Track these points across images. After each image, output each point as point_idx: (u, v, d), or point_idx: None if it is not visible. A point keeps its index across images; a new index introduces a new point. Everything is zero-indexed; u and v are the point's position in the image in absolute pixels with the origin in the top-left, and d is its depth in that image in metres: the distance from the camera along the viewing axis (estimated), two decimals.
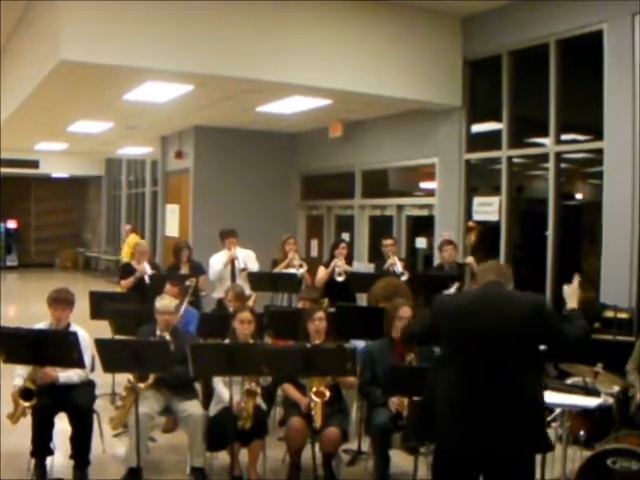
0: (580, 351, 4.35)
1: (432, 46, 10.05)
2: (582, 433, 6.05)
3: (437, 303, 4.41)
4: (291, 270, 9.34)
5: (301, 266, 9.39)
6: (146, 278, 9.29)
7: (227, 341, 6.40)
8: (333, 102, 10.76)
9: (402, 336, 5.22)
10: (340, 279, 9.18)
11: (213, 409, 6.32)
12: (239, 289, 8.10)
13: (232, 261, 9.45)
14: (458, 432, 3.99)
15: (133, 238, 18.63)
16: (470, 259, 8.56)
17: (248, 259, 9.59)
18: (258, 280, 9.11)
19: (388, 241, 9.56)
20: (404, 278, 8.71)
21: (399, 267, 9.08)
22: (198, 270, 9.54)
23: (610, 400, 5.97)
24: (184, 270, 9.46)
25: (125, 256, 18.34)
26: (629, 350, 6.38)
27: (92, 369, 6.40)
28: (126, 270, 9.69)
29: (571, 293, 4.43)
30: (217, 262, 9.51)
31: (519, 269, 9.74)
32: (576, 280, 4.53)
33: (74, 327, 6.24)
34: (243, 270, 9.35)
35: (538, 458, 5.16)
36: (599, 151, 8.61)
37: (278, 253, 9.70)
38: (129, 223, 19.53)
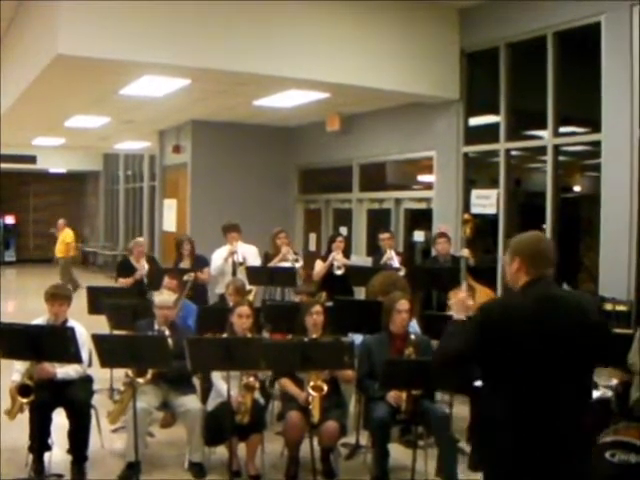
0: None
1: (430, 39, 10.02)
2: None
3: (488, 313, 3.60)
4: (286, 264, 9.31)
5: (296, 260, 9.37)
6: (144, 278, 9.30)
7: (225, 335, 6.39)
8: (330, 95, 10.74)
9: (438, 363, 3.94)
10: (339, 272, 9.17)
11: (211, 404, 6.31)
12: (239, 283, 8.09)
13: (232, 255, 9.44)
14: (529, 453, 3.46)
15: (66, 233, 18.63)
16: (465, 252, 8.55)
17: (250, 254, 9.57)
18: (255, 274, 9.08)
19: (385, 235, 9.55)
20: (402, 272, 8.70)
21: (396, 261, 9.07)
22: (201, 263, 9.54)
23: (609, 393, 5.97)
24: (186, 264, 9.46)
25: (59, 252, 18.36)
26: (628, 343, 6.36)
27: (90, 364, 6.38)
28: (124, 267, 9.68)
29: (456, 302, 3.91)
30: (218, 257, 9.51)
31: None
32: (464, 286, 4.01)
33: (71, 322, 6.23)
34: (241, 264, 9.33)
35: None
36: (597, 143, 8.60)
37: (270, 247, 9.67)
38: (61, 218, 19.55)
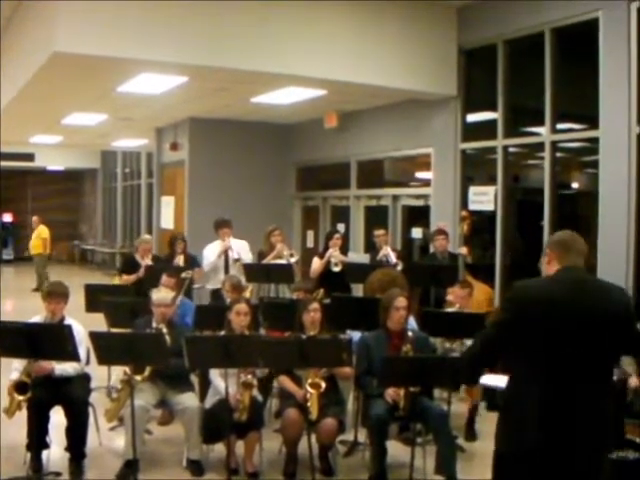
0: None
1: (427, 35, 10.01)
2: None
3: (520, 292, 3.67)
4: (281, 261, 9.30)
5: (292, 255, 9.35)
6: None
7: (223, 333, 6.38)
8: (328, 92, 10.73)
9: (468, 365, 3.89)
10: (336, 269, 9.16)
11: (209, 401, 6.31)
12: (236, 280, 8.09)
13: (226, 252, 9.43)
14: (553, 437, 3.49)
15: (41, 229, 18.60)
16: (464, 249, 8.56)
17: (242, 250, 9.57)
18: (252, 271, 9.07)
19: (379, 231, 9.54)
20: (399, 268, 8.69)
21: (393, 257, 9.06)
22: (193, 263, 9.52)
23: None
24: (179, 262, 9.44)
25: (34, 248, 18.34)
26: None
27: (87, 362, 6.38)
28: (128, 263, 9.68)
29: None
30: (211, 252, 9.50)
31: (515, 259, 9.74)
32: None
33: (68, 320, 6.22)
34: (237, 261, 9.32)
35: None
36: (595, 140, 8.59)
37: (264, 244, 9.65)
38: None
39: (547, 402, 3.47)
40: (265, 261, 9.40)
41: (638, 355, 3.68)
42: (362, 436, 6.57)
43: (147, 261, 9.46)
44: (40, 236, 18.55)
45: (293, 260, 9.30)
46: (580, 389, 3.47)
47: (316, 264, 9.32)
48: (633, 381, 6.01)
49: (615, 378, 6.04)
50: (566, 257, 3.70)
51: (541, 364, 3.50)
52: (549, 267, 3.73)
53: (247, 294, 8.46)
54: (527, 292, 3.63)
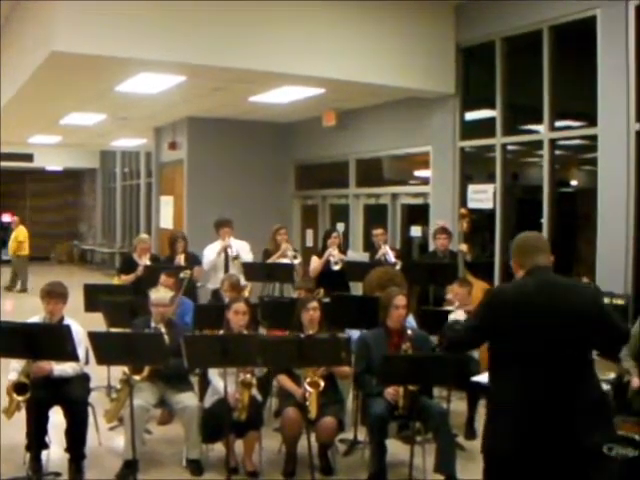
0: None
1: (425, 33, 10.00)
2: None
3: (495, 295, 4.00)
4: (285, 260, 9.31)
5: (295, 257, 9.35)
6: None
7: (221, 332, 6.38)
8: (326, 91, 10.73)
9: (448, 344, 4.48)
10: (336, 268, 9.15)
11: (208, 401, 6.31)
12: (235, 279, 8.08)
13: (225, 250, 9.43)
14: (529, 432, 3.65)
15: (20, 231, 18.56)
16: (463, 247, 8.55)
17: (242, 250, 9.55)
18: (252, 270, 9.07)
19: (378, 230, 9.52)
20: (397, 267, 8.68)
21: (391, 256, 9.05)
22: (194, 261, 9.51)
23: (606, 387, 5.96)
24: (179, 261, 9.43)
25: (12, 250, 18.31)
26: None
27: (86, 362, 6.37)
28: (127, 263, 9.67)
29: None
30: (211, 251, 9.50)
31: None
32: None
33: (67, 320, 6.22)
34: (235, 258, 9.31)
35: None
36: (593, 137, 8.59)
37: (269, 243, 9.66)
38: (14, 214, 19.48)
39: (521, 401, 3.65)
40: (270, 260, 9.40)
41: (610, 349, 3.80)
42: (362, 435, 6.57)
43: (145, 260, 9.44)
44: (17, 238, 18.48)
45: (296, 261, 9.30)
46: (552, 386, 3.64)
47: (315, 263, 9.31)
48: (635, 382, 5.99)
49: (614, 375, 6.06)
50: (527, 260, 3.86)
51: (513, 364, 3.71)
52: (517, 274, 3.95)
53: (246, 293, 8.48)
54: (498, 297, 3.91)
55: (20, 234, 18.57)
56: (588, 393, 3.70)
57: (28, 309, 7.60)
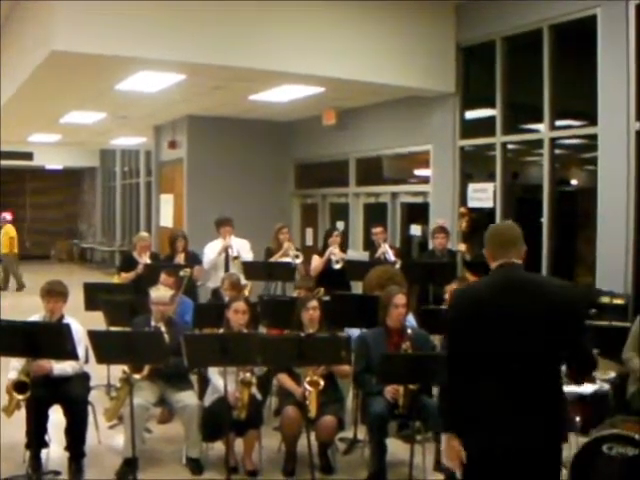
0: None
1: (425, 32, 10.00)
2: (578, 419, 6.04)
3: (456, 299, 3.97)
4: (287, 260, 9.30)
5: (297, 257, 9.34)
6: None
7: (221, 331, 6.37)
8: (326, 90, 10.72)
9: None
10: (337, 267, 9.14)
11: (208, 399, 6.31)
12: (235, 278, 8.07)
13: (226, 250, 9.42)
14: (493, 433, 3.64)
15: (9, 228, 18.50)
16: (462, 246, 8.54)
17: (242, 249, 9.55)
18: (252, 269, 9.07)
19: (377, 229, 9.50)
20: (397, 266, 8.68)
21: (391, 255, 9.05)
22: (194, 260, 9.50)
23: (606, 386, 5.96)
24: (179, 260, 9.43)
25: (2, 248, 18.26)
26: (625, 336, 6.37)
27: (86, 361, 6.38)
28: (127, 261, 9.67)
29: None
30: (211, 250, 9.49)
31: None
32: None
33: (67, 319, 6.22)
34: (236, 258, 9.30)
35: None
36: (594, 136, 8.58)
37: (272, 242, 9.66)
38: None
39: (488, 402, 3.62)
40: (273, 259, 9.40)
41: (574, 355, 3.68)
42: (361, 434, 6.57)
43: (145, 259, 9.43)
44: (8, 234, 18.43)
45: (298, 261, 9.29)
46: (516, 387, 3.59)
47: (316, 262, 9.29)
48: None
49: (614, 374, 6.06)
50: (498, 254, 3.79)
51: (479, 365, 3.64)
52: (490, 263, 3.87)
53: (246, 292, 8.47)
54: (463, 299, 3.85)
55: (10, 231, 18.51)
56: (543, 401, 3.63)
57: (25, 309, 7.57)
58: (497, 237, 3.86)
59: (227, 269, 9.32)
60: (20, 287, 17.96)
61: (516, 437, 3.59)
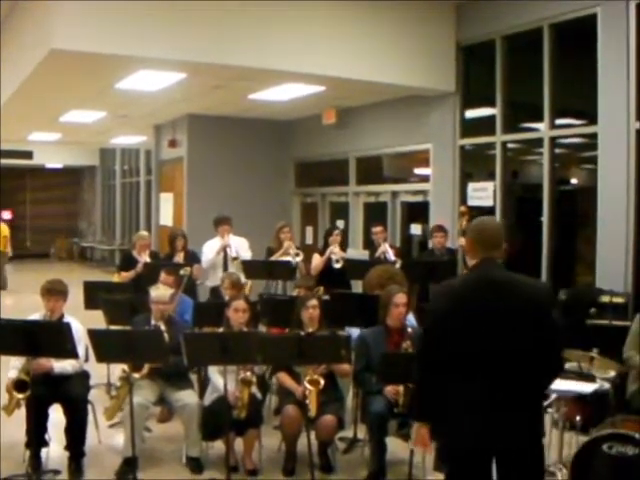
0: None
1: (425, 31, 10.00)
2: (578, 418, 6.05)
3: (433, 297, 4.04)
4: (287, 258, 9.29)
5: (297, 255, 9.33)
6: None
7: (221, 330, 6.37)
8: (326, 89, 10.72)
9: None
10: (338, 266, 9.13)
11: (208, 398, 6.31)
12: (235, 277, 8.06)
13: (224, 249, 9.42)
14: (469, 430, 3.69)
15: (2, 227, 18.45)
16: (462, 240, 8.54)
17: (241, 247, 9.54)
18: (253, 268, 9.06)
19: (377, 228, 9.50)
20: (397, 265, 8.68)
21: (391, 254, 9.04)
22: (193, 259, 9.49)
23: (606, 385, 5.97)
24: (179, 259, 9.43)
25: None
26: (625, 335, 6.37)
27: (86, 359, 6.38)
28: (127, 260, 9.66)
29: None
30: (210, 250, 9.48)
31: (514, 255, 9.72)
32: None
33: (67, 318, 6.22)
34: (235, 259, 9.30)
35: None
36: (594, 135, 8.58)
37: (273, 241, 9.65)
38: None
39: (464, 401, 3.68)
40: (273, 258, 9.39)
41: (549, 350, 3.71)
42: (361, 433, 6.57)
43: (145, 257, 9.42)
44: (3, 233, 18.39)
45: (298, 259, 9.28)
46: (491, 385, 3.64)
47: (317, 261, 9.28)
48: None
49: (614, 373, 6.06)
50: (482, 251, 3.82)
51: (454, 363, 3.69)
52: (469, 254, 3.96)
53: (246, 290, 8.47)
54: (441, 295, 3.87)
55: (4, 230, 18.48)
56: (521, 397, 3.68)
57: (25, 307, 7.56)
58: (482, 235, 3.87)
59: (226, 268, 9.31)
60: (3, 286, 17.88)
61: (497, 434, 3.65)
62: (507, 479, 3.73)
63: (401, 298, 6.28)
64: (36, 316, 6.30)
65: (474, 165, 10.89)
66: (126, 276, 9.34)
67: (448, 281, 3.96)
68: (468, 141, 10.59)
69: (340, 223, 13.11)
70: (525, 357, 3.64)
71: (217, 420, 5.92)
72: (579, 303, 7.83)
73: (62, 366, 6.02)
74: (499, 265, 3.81)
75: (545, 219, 9.18)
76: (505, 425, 3.63)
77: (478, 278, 3.79)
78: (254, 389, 6.06)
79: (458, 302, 3.74)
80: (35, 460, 5.89)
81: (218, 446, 6.35)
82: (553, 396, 5.85)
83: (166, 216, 16.06)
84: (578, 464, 5.07)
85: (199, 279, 9.71)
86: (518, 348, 3.63)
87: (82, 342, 6.06)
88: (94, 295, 8.22)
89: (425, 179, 11.53)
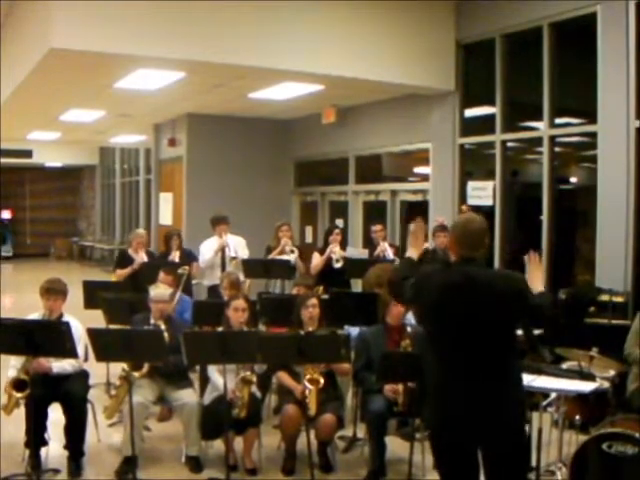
0: (551, 320, 4.28)
1: (425, 30, 9.99)
2: (578, 418, 6.04)
3: (421, 277, 4.11)
4: (284, 256, 9.28)
5: (292, 252, 9.31)
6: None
7: (221, 329, 6.37)
8: (325, 88, 10.71)
9: (392, 284, 4.62)
10: (338, 265, 9.12)
11: (208, 398, 6.30)
12: (234, 277, 8.05)
13: (223, 249, 9.40)
14: (448, 414, 3.92)
15: None
16: None
17: (239, 246, 9.52)
18: (251, 267, 9.05)
19: (377, 227, 9.49)
20: (397, 264, 8.66)
21: (390, 253, 9.04)
22: (189, 257, 9.49)
23: (605, 384, 5.96)
24: (174, 257, 9.41)
25: None
26: (624, 334, 6.37)
27: (85, 359, 6.37)
28: (123, 258, 9.65)
29: (533, 275, 4.24)
30: (207, 249, 9.46)
31: (514, 254, 9.73)
32: (533, 258, 4.38)
33: (67, 317, 6.21)
34: (233, 259, 9.28)
35: (534, 443, 5.18)
36: (593, 134, 8.59)
37: (272, 240, 9.64)
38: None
39: (444, 384, 3.94)
40: (270, 256, 9.38)
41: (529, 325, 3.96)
42: (361, 432, 6.56)
43: (141, 255, 9.40)
44: None
45: (293, 256, 9.26)
46: (470, 368, 3.87)
47: (317, 260, 9.27)
48: None
49: (614, 372, 6.06)
50: (461, 249, 4.01)
51: (436, 344, 4.01)
52: (450, 249, 4.19)
53: (245, 289, 8.46)
54: (423, 282, 4.05)
55: None
56: (504, 380, 3.89)
57: (25, 307, 7.56)
58: (464, 235, 4.02)
59: (224, 268, 9.29)
60: None
61: (478, 402, 3.84)
62: (492, 460, 3.91)
63: None
64: (35, 315, 6.29)
65: (474, 164, 10.89)
66: (122, 274, 9.32)
67: (432, 271, 4.12)
68: (468, 140, 10.59)
69: (340, 222, 13.10)
70: (502, 331, 3.90)
71: (217, 419, 5.92)
72: (579, 302, 7.83)
73: (61, 365, 6.02)
74: (478, 264, 3.98)
75: (545, 218, 9.18)
76: (486, 394, 3.83)
77: (455, 271, 3.98)
78: (254, 388, 6.06)
79: (440, 293, 3.95)
80: (34, 459, 5.87)
81: (218, 445, 6.36)
82: (553, 395, 5.85)
83: (166, 215, 16.06)
84: (578, 463, 5.06)
85: (196, 278, 9.70)
86: (494, 320, 3.86)
87: (81, 341, 6.06)
88: (93, 294, 8.20)
89: (425, 178, 11.53)
